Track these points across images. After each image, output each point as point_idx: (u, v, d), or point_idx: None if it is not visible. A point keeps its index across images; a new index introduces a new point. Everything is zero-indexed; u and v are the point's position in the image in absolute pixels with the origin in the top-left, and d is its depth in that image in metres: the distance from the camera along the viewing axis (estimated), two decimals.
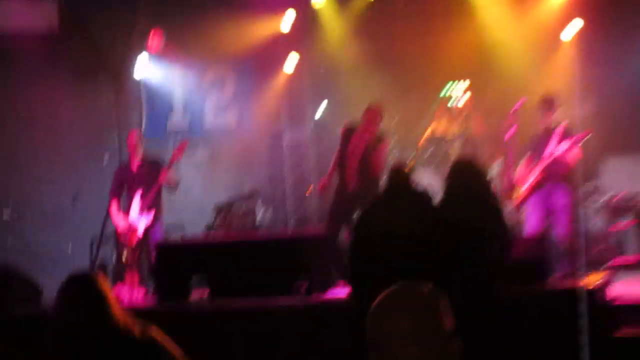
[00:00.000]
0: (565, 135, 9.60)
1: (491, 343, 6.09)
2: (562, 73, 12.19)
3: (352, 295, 6.57)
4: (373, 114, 9.93)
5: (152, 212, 10.19)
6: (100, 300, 3.78)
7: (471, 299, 5.61)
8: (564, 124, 9.75)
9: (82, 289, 3.80)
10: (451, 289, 2.88)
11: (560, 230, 9.40)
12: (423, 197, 6.59)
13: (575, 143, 9.43)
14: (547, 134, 9.69)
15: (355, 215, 9.71)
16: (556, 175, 9.51)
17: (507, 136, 9.98)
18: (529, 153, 9.94)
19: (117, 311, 3.81)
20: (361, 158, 9.72)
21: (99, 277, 3.87)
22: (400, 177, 6.74)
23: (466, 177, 6.73)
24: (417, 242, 6.00)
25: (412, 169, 7.22)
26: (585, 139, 9.53)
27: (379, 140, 9.87)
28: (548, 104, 9.85)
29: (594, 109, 12.21)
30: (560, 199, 9.49)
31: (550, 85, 10.90)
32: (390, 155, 12.65)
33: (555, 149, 9.45)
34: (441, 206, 6.57)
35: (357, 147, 9.74)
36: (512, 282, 7.52)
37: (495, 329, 6.48)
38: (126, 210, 10.32)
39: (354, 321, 5.97)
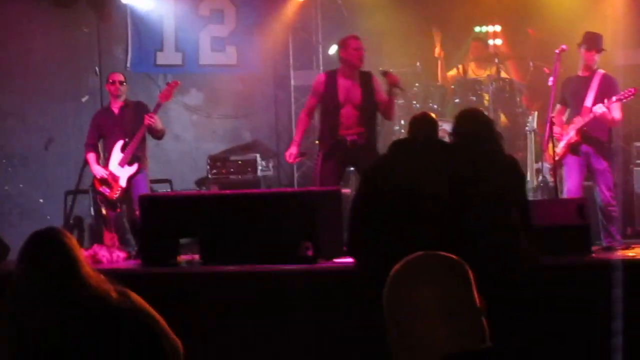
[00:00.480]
0: (606, 86, 9.44)
1: (516, 320, 6.04)
2: (610, 17, 12.02)
3: (358, 264, 6.49)
4: (357, 46, 9.59)
5: (136, 162, 10.12)
6: (68, 261, 3.75)
7: (492, 270, 5.50)
8: (602, 72, 9.58)
9: (47, 248, 3.78)
10: (470, 260, 2.82)
11: (602, 196, 9.31)
12: (450, 150, 6.48)
13: (617, 102, 9.30)
14: (585, 80, 9.53)
15: (358, 171, 9.61)
16: (595, 138, 9.39)
17: (549, 83, 9.83)
18: (559, 102, 9.74)
19: (89, 274, 3.78)
20: (361, 104, 9.48)
21: (66, 235, 3.85)
22: (426, 126, 6.62)
23: (476, 130, 6.56)
24: (436, 203, 5.90)
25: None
26: (629, 98, 9.40)
27: (369, 77, 9.59)
28: (592, 41, 9.63)
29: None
30: (601, 163, 9.37)
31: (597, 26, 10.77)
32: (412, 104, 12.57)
33: (595, 107, 9.28)
34: (450, 162, 6.37)
35: (352, 90, 9.49)
36: (548, 252, 7.49)
37: (524, 304, 6.43)
38: (106, 159, 10.26)
39: (363, 293, 5.95)
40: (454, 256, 2.67)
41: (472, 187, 6.00)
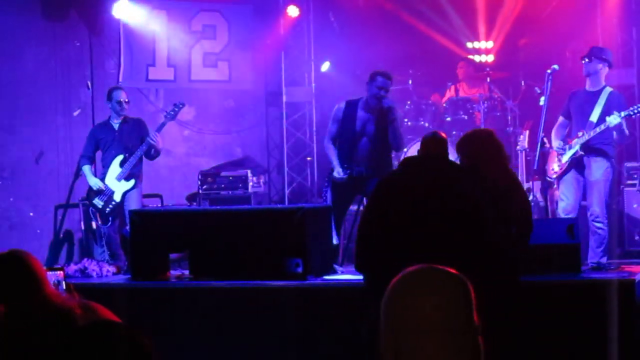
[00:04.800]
0: (613, 103, 9.30)
1: (510, 337, 6.03)
2: (601, 36, 12.03)
3: (366, 279, 6.45)
4: (380, 85, 9.39)
5: (133, 178, 10.09)
6: (29, 281, 3.88)
7: (490, 287, 5.52)
8: (610, 88, 9.46)
9: (8, 269, 3.91)
10: (469, 275, 2.82)
11: (591, 210, 9.21)
12: (457, 169, 6.48)
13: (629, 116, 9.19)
14: (592, 95, 9.38)
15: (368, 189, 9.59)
16: (598, 150, 9.26)
17: (540, 103, 9.76)
18: (561, 114, 9.64)
19: (51, 292, 3.92)
20: (375, 137, 9.38)
21: (29, 256, 3.98)
22: (437, 144, 6.63)
23: (479, 150, 6.61)
24: (442, 220, 5.90)
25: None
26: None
27: (387, 111, 9.47)
28: (603, 55, 9.48)
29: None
30: (597, 175, 9.23)
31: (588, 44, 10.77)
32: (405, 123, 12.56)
33: (609, 118, 9.09)
34: (453, 180, 6.40)
35: (368, 123, 9.41)
36: (539, 270, 7.50)
37: (517, 322, 6.42)
38: (103, 173, 10.23)
39: (362, 307, 5.93)
40: (456, 272, 2.65)
41: (477, 206, 6.01)
